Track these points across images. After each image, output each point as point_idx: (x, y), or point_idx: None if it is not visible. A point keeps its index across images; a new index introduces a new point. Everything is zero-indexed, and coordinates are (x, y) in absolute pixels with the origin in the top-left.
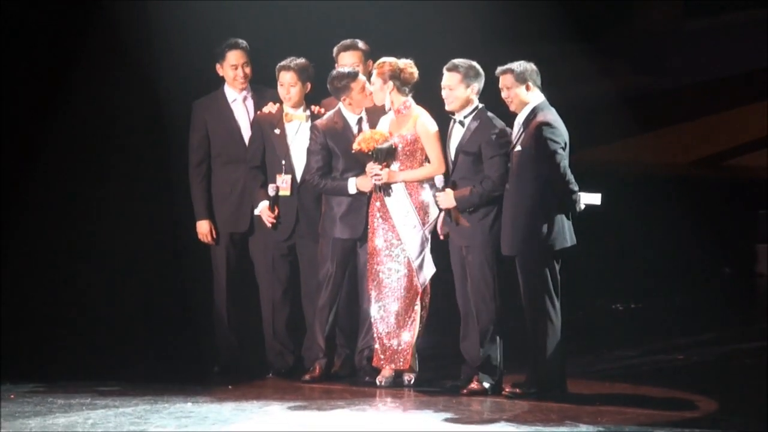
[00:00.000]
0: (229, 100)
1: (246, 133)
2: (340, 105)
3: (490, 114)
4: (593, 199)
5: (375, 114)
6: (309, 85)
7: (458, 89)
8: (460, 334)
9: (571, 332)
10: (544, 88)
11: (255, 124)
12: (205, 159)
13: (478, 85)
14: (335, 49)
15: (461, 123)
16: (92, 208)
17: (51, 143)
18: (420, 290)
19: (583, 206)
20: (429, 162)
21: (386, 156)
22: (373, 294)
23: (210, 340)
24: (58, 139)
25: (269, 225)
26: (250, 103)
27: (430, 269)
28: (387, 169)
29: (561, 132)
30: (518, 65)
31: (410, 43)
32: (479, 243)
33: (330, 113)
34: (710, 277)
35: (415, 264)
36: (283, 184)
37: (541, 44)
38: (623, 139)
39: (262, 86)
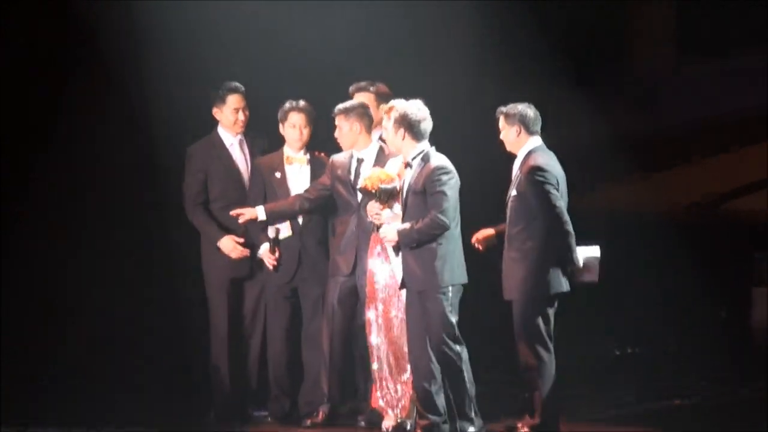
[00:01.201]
0: (226, 144)
1: (245, 176)
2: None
3: (437, 154)
4: (592, 251)
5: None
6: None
7: (390, 136)
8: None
9: (568, 376)
10: (542, 133)
11: (255, 168)
12: (204, 202)
13: (408, 131)
14: (350, 89)
15: (410, 165)
16: (83, 253)
17: (37, 186)
18: None
19: (581, 263)
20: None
21: (389, 197)
22: (374, 341)
23: (206, 386)
24: (46, 182)
25: (271, 268)
26: (245, 146)
27: None
28: (388, 210)
29: (553, 175)
30: (511, 108)
31: (410, 86)
32: (434, 287)
33: (347, 152)
34: (707, 320)
35: None
36: (284, 226)
37: (537, 87)
38: (619, 183)
39: (253, 131)
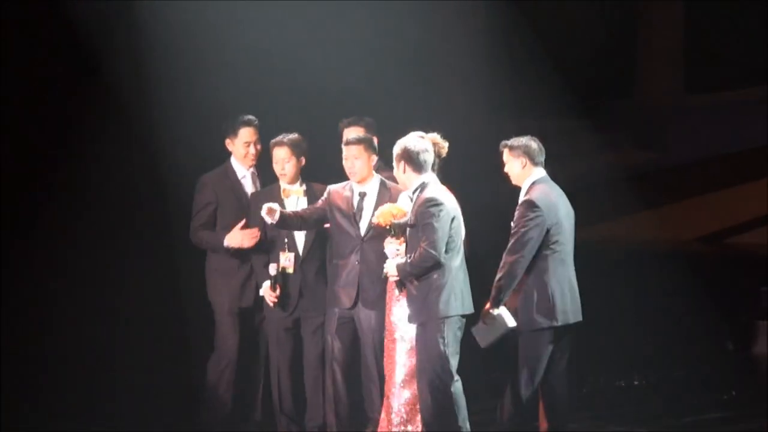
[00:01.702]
0: (239, 175)
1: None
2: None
3: (434, 186)
4: (509, 321)
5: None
6: (303, 160)
7: (395, 171)
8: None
9: (574, 407)
10: (546, 165)
11: (253, 202)
12: (212, 229)
13: (408, 163)
14: (340, 125)
15: (410, 198)
16: (93, 279)
17: (47, 215)
18: None
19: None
20: None
21: (403, 232)
22: (398, 375)
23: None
24: (57, 211)
25: (271, 305)
26: (257, 179)
27: None
28: (395, 245)
29: (541, 212)
30: (515, 140)
31: (415, 116)
32: (429, 318)
33: (346, 183)
34: (713, 353)
35: None
36: (287, 262)
37: (543, 119)
38: (624, 216)
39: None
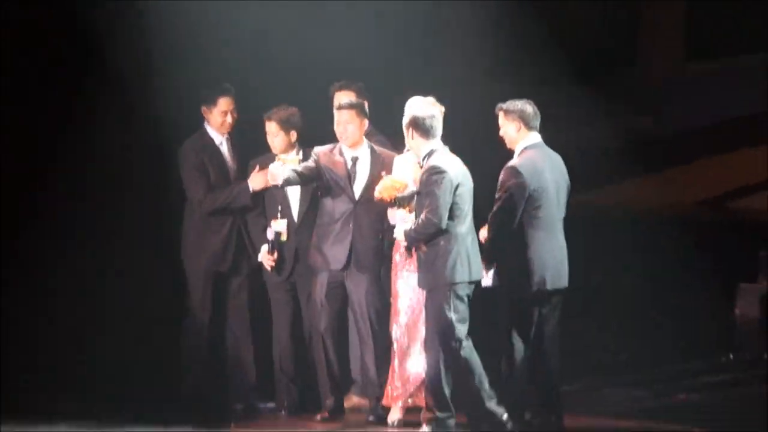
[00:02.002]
0: (216, 142)
1: (233, 175)
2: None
3: (440, 154)
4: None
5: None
6: (294, 133)
7: (408, 142)
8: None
9: (575, 371)
10: (547, 131)
11: (251, 170)
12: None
13: (416, 129)
14: (331, 88)
15: (420, 165)
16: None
17: (49, 191)
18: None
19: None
20: None
21: (409, 201)
22: (395, 333)
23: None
24: (57, 188)
25: (269, 269)
26: (231, 145)
27: None
28: (402, 211)
29: (522, 178)
30: (511, 104)
31: (414, 81)
32: (436, 285)
33: (334, 145)
34: (713, 317)
35: None
36: (280, 228)
37: (543, 87)
38: (625, 182)
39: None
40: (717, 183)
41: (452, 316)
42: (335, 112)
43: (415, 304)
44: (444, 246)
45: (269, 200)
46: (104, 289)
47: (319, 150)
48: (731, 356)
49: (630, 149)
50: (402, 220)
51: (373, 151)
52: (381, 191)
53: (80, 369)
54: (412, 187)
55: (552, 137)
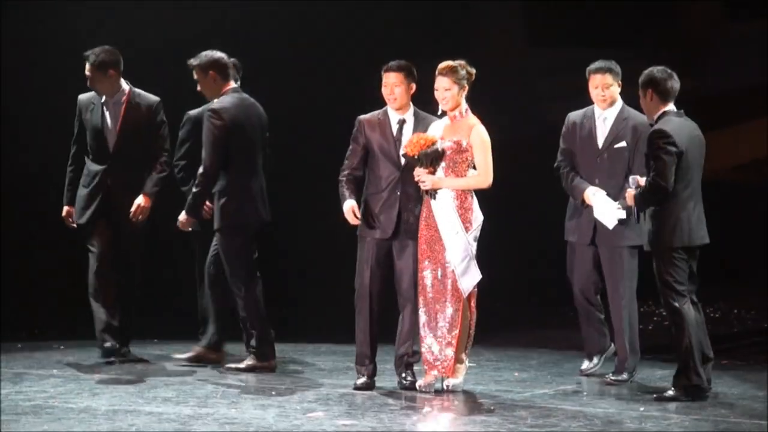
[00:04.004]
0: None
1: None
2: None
3: (666, 118)
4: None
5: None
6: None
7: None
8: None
9: None
10: (584, 92)
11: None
12: None
13: (655, 93)
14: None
15: (650, 125)
16: None
17: None
18: (464, 296)
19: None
20: (475, 170)
21: (432, 161)
22: (421, 300)
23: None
24: None
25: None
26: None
27: (474, 276)
28: (431, 176)
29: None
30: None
31: (451, 46)
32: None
33: (377, 111)
34: (748, 280)
35: (458, 270)
36: None
37: (582, 48)
38: None
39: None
40: (756, 145)
41: (668, 278)
42: (383, 74)
43: (430, 276)
44: (666, 210)
45: None
46: None
47: (363, 117)
48: None
49: None
50: (633, 183)
51: (417, 114)
52: (407, 146)
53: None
54: (438, 146)
55: (588, 100)
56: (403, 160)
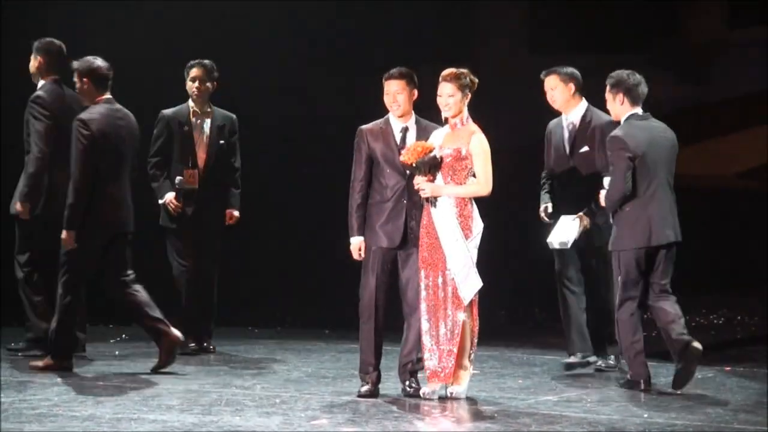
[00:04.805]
0: None
1: None
2: (390, 113)
3: (628, 122)
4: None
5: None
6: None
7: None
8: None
9: None
10: (592, 101)
11: (162, 121)
12: None
13: (626, 96)
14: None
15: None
16: None
17: None
18: (465, 304)
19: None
20: (474, 178)
21: (429, 169)
22: (423, 307)
23: None
24: None
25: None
26: None
27: (474, 283)
28: (430, 184)
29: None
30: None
31: (450, 50)
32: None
33: (379, 120)
34: (751, 287)
35: (458, 278)
36: (190, 178)
37: (586, 55)
38: None
39: None
40: (758, 153)
41: (620, 278)
42: (384, 82)
43: (431, 284)
44: (626, 212)
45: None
46: None
47: (364, 127)
48: None
49: (671, 117)
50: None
51: (419, 122)
52: (405, 153)
53: None
54: (435, 153)
55: (595, 106)
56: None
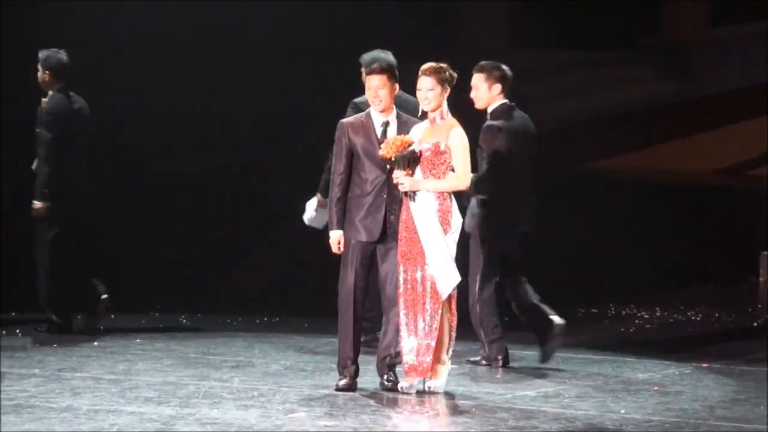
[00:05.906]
0: None
1: None
2: (371, 107)
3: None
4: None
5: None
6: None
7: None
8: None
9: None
10: (573, 96)
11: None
12: None
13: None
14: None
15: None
16: None
17: None
18: (443, 298)
19: None
20: (453, 172)
21: (408, 163)
22: (401, 301)
23: None
24: None
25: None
26: None
27: (453, 278)
28: (409, 178)
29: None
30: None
31: (432, 45)
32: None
33: (360, 114)
34: (728, 282)
35: (437, 272)
36: None
37: (569, 51)
38: (647, 148)
39: None
40: (738, 149)
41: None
42: (366, 77)
43: (410, 278)
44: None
45: None
46: None
47: (345, 121)
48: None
49: (652, 114)
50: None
51: (399, 116)
52: (383, 148)
53: None
54: (414, 148)
55: (578, 102)
56: None
